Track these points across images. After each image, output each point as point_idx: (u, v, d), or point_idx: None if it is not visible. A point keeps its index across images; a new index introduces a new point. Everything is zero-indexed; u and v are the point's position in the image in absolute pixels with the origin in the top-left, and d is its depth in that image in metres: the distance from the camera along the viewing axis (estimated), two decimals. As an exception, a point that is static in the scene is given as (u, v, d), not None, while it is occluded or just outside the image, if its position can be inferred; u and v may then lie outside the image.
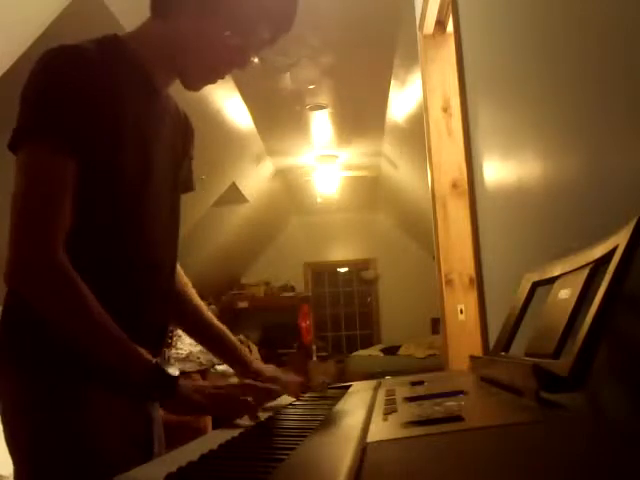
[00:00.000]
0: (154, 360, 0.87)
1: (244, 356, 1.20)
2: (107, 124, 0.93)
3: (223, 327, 1.22)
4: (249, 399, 0.90)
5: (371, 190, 7.09)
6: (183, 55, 1.01)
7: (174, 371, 0.87)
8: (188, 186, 1.20)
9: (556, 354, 0.69)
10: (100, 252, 0.94)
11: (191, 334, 1.27)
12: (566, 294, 0.75)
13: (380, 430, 0.63)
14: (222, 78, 1.05)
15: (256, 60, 1.05)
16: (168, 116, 1.08)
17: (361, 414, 0.75)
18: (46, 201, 0.88)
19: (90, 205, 0.92)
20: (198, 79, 1.05)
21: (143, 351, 0.88)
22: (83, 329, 0.87)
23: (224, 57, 1.02)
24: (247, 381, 1.05)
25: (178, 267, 1.16)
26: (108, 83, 0.93)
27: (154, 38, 1.02)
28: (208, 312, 1.22)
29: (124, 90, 0.96)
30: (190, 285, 1.22)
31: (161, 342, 1.07)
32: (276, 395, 1.04)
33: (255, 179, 6.04)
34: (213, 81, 1.05)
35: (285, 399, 1.09)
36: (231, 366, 1.22)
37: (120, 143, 0.94)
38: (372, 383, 1.15)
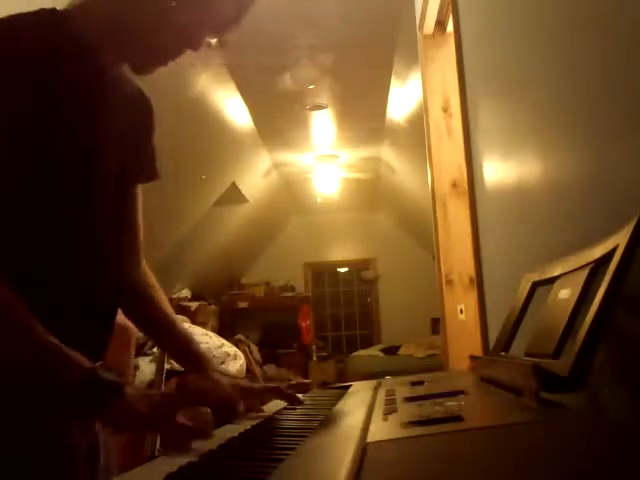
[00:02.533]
0: (89, 365, 0.74)
1: (205, 365, 1.06)
2: (35, 103, 0.80)
3: (187, 332, 1.11)
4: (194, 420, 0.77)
5: (371, 190, 7.10)
6: (129, 31, 0.90)
7: (113, 376, 0.74)
8: (151, 174, 1.08)
9: (556, 354, 0.69)
10: (33, 249, 0.83)
11: (150, 337, 1.17)
12: (566, 294, 0.75)
13: (380, 430, 0.63)
14: (173, 60, 0.94)
15: (214, 41, 0.95)
16: (119, 98, 0.95)
17: (361, 414, 0.75)
18: None
19: (22, 193, 0.81)
20: (146, 60, 0.94)
21: (76, 354, 0.74)
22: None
23: (174, 35, 0.91)
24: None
25: (144, 267, 1.09)
26: (38, 58, 0.81)
27: (99, 11, 0.90)
28: (172, 315, 1.11)
29: (59, 66, 0.84)
30: (156, 286, 1.10)
31: (102, 348, 0.95)
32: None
33: (255, 179, 6.05)
34: (163, 63, 0.94)
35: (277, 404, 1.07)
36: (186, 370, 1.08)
37: (52, 125, 0.82)
38: (372, 383, 1.15)
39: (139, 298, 1.08)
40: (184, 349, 1.08)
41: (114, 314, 1.00)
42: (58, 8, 0.89)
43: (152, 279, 1.12)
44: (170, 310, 1.11)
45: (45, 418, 0.81)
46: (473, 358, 1.11)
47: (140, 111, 1.04)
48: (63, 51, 0.85)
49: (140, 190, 1.09)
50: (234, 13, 0.93)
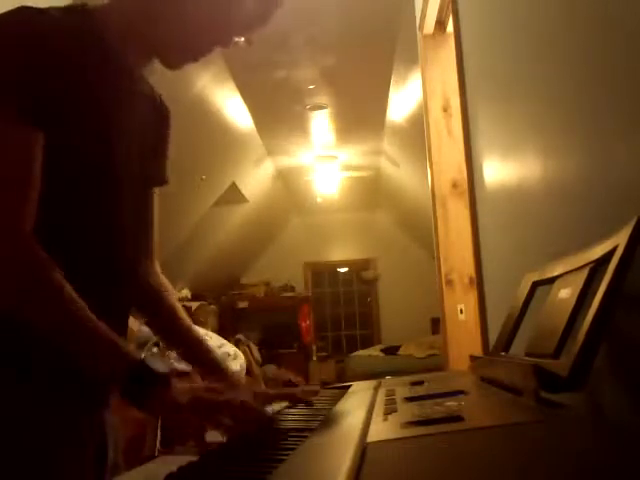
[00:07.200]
0: (139, 356, 0.77)
1: (217, 364, 1.07)
2: (67, 99, 0.81)
3: (198, 333, 1.12)
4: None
5: (371, 190, 7.10)
6: (159, 28, 0.91)
7: (163, 367, 0.77)
8: (161, 179, 1.09)
9: (556, 354, 0.69)
10: (52, 243, 0.82)
11: (161, 336, 1.18)
12: (566, 294, 0.75)
13: (380, 430, 0.63)
14: (204, 57, 0.95)
15: (243, 40, 0.96)
16: (141, 98, 0.97)
17: (361, 414, 0.75)
18: (14, 178, 0.77)
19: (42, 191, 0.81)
20: (176, 56, 0.95)
21: (128, 346, 0.79)
22: (60, 325, 0.76)
23: (205, 32, 0.92)
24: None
25: (157, 269, 1.10)
26: (69, 53, 0.81)
27: (128, 9, 0.91)
28: (183, 316, 1.11)
29: (87, 64, 0.85)
30: (169, 289, 1.12)
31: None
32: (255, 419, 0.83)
33: (255, 179, 6.05)
34: (193, 59, 0.95)
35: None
36: (202, 375, 1.08)
37: (78, 121, 0.83)
38: (372, 383, 1.15)
39: (153, 301, 1.09)
40: (197, 352, 1.08)
41: (128, 314, 1.01)
42: (89, 4, 0.89)
43: (165, 282, 1.12)
44: (183, 313, 1.12)
45: (64, 410, 0.82)
46: (473, 358, 1.11)
47: (159, 116, 1.05)
48: (88, 49, 0.86)
49: (157, 193, 1.10)
50: (262, 11, 0.95)
